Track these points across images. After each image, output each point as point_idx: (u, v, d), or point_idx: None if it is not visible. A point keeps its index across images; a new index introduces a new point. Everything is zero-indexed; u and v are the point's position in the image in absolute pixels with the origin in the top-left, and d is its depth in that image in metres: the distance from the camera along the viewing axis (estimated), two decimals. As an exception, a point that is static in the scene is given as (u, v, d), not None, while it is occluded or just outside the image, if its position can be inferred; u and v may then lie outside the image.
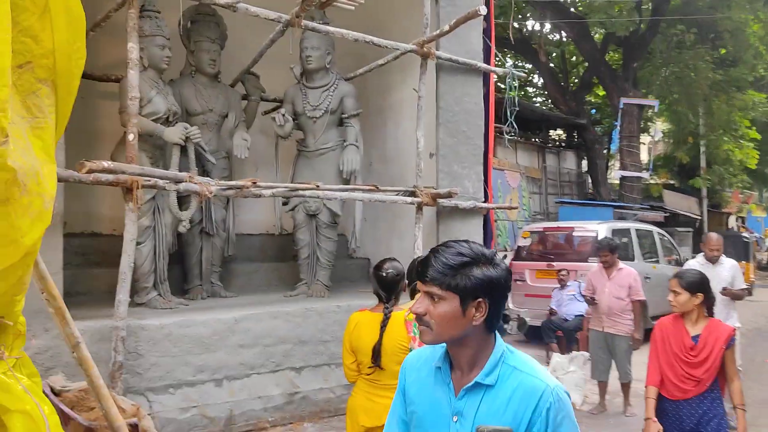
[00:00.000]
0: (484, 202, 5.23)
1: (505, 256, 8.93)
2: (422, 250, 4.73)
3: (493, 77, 5.44)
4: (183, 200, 4.41)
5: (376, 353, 2.36)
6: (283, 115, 4.76)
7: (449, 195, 4.60)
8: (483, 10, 4.19)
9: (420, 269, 1.27)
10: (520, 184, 11.70)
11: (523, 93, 20.47)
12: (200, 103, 4.83)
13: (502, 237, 10.86)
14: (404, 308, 2.42)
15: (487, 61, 5.36)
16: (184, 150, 4.53)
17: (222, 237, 4.98)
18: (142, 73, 4.25)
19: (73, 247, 4.80)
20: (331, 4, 4.19)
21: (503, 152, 11.70)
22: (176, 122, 4.34)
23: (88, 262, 4.87)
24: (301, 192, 4.13)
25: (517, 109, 5.29)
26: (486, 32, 5.43)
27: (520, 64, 20.57)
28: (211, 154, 4.85)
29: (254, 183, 3.86)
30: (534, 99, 20.30)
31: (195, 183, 3.70)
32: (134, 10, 3.53)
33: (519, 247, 7.98)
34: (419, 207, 4.74)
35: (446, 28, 4.54)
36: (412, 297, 2.78)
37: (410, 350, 2.21)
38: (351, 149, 4.91)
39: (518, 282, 7.36)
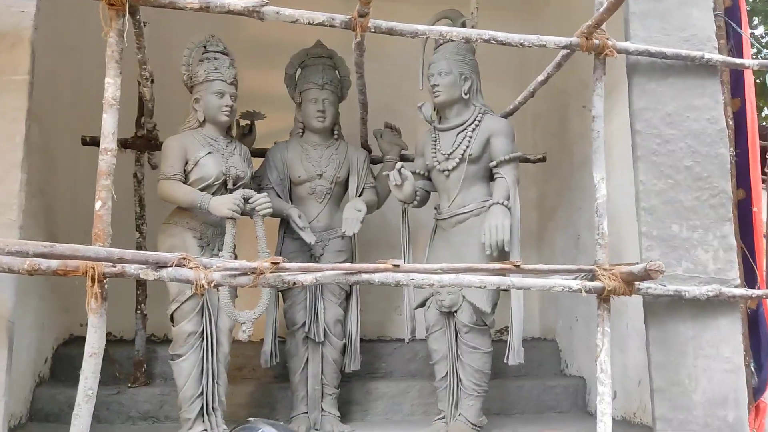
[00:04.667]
0: (745, 286, 3.01)
1: None
2: (609, 372, 2.76)
3: (749, 78, 3.29)
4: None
5: None
6: (400, 170, 3.30)
7: (647, 275, 2.60)
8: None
9: None
10: None
11: None
12: (305, 167, 3.67)
13: None
14: None
15: (738, 54, 3.27)
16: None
17: (336, 346, 3.60)
18: (195, 130, 3.28)
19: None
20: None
21: None
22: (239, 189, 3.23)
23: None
24: (366, 277, 2.60)
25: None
26: (732, 13, 3.36)
27: None
28: (323, 231, 3.63)
29: (276, 264, 2.47)
30: None
31: (190, 268, 2.47)
32: (114, 33, 2.56)
33: None
34: (603, 297, 2.81)
35: (616, -7, 2.71)
36: None
37: None
38: (496, 212, 3.20)
39: None
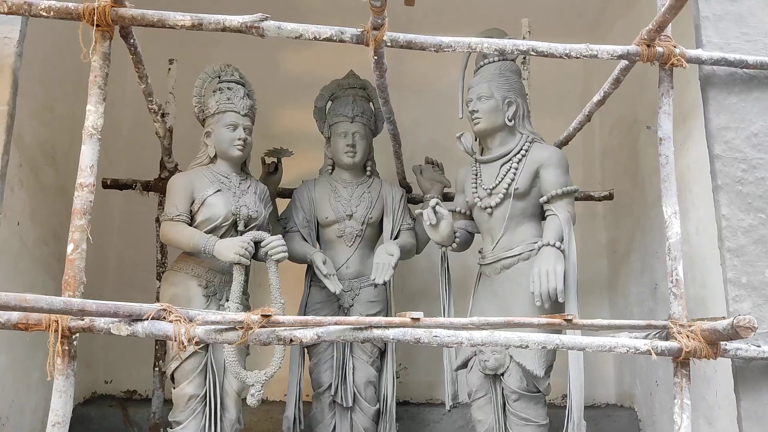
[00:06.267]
0: None
1: None
2: (690, 457, 2.17)
3: None
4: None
5: None
6: (435, 207, 2.86)
7: (735, 333, 2.03)
8: None
9: None
10: None
11: None
12: (333, 207, 3.30)
13: None
14: None
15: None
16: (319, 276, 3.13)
17: (368, 412, 3.14)
18: (205, 167, 2.98)
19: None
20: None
21: None
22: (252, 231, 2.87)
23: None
24: (379, 333, 2.15)
25: None
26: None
27: None
28: (353, 278, 3.23)
29: (267, 318, 2.07)
30: None
31: (170, 321, 2.10)
32: (97, 56, 2.29)
33: None
34: (681, 361, 2.25)
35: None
36: None
37: None
38: (547, 255, 2.69)
39: None
